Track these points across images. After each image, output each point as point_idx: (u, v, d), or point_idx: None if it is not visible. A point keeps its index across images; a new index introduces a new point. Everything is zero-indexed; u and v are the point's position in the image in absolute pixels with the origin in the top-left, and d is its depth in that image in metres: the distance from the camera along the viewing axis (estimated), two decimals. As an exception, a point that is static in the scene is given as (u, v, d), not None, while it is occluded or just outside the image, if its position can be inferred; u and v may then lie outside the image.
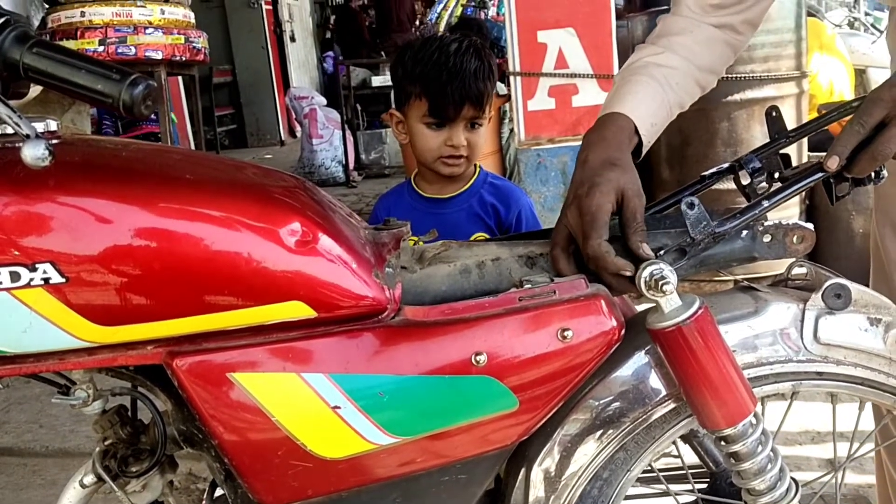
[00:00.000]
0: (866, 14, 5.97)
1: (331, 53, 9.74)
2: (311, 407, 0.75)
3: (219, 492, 0.92)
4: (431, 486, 0.83)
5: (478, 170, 1.49)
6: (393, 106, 1.49)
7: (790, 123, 0.97)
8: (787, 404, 0.91)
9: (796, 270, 0.91)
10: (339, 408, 0.75)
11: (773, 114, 0.93)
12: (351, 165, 6.22)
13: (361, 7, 11.10)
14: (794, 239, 0.85)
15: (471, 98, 1.37)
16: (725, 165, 0.97)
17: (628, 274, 0.80)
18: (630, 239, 0.82)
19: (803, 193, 2.51)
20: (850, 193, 0.86)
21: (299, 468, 0.77)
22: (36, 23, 3.36)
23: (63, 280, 0.69)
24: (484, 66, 1.39)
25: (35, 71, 0.69)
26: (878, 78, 5.05)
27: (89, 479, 0.89)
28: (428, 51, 1.40)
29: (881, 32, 4.58)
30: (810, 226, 0.85)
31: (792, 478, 0.86)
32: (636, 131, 0.92)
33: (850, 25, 5.62)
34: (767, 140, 0.95)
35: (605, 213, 0.82)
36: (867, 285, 0.85)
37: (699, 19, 1.02)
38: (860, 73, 4.96)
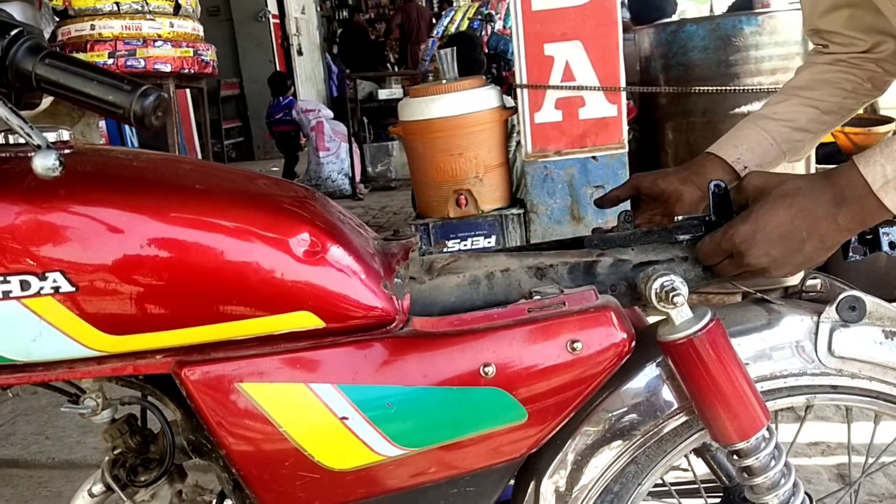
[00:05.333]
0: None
1: (332, 67, 9.79)
2: (319, 418, 0.75)
3: (227, 502, 0.91)
4: (440, 498, 0.83)
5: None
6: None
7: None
8: (802, 418, 0.90)
9: (810, 282, 0.90)
10: (346, 419, 0.75)
11: (717, 190, 0.84)
12: (357, 178, 6.24)
13: (368, 21, 11.17)
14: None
15: None
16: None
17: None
18: None
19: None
20: (866, 256, 0.85)
21: (307, 479, 0.77)
22: (46, 36, 3.40)
23: (73, 289, 0.69)
24: None
25: (47, 82, 0.69)
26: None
27: (98, 488, 0.89)
28: None
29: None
30: None
31: (806, 492, 0.85)
32: (722, 161, 1.01)
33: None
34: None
35: (624, 187, 1.04)
36: (882, 297, 0.84)
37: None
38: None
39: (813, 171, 2.80)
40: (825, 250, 0.78)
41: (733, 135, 1.04)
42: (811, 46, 1.11)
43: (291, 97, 6.96)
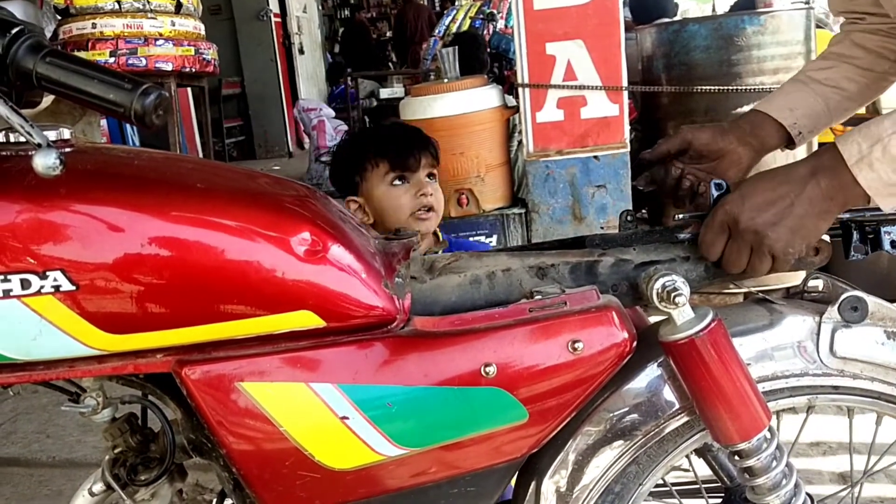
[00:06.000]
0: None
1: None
2: (320, 417, 0.75)
3: (228, 501, 0.91)
4: (440, 497, 0.83)
5: (442, 246, 1.49)
6: (348, 196, 1.47)
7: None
8: (803, 418, 0.90)
9: (812, 283, 0.90)
10: (347, 418, 0.75)
11: (718, 189, 0.86)
12: (359, 177, 6.23)
13: (369, 20, 11.15)
14: (811, 250, 0.84)
15: (426, 148, 1.45)
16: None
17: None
18: None
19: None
20: (867, 255, 0.85)
21: (307, 479, 0.77)
22: (48, 34, 3.39)
23: (73, 288, 0.68)
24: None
25: (48, 80, 0.69)
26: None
27: (98, 487, 0.89)
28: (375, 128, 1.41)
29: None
30: (827, 237, 0.84)
31: (807, 493, 0.85)
32: (778, 125, 0.99)
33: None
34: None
35: (674, 140, 1.00)
36: (884, 298, 0.83)
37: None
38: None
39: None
40: (815, 217, 0.79)
41: (786, 96, 1.02)
42: (842, 21, 1.09)
43: (343, 86, 6.95)
